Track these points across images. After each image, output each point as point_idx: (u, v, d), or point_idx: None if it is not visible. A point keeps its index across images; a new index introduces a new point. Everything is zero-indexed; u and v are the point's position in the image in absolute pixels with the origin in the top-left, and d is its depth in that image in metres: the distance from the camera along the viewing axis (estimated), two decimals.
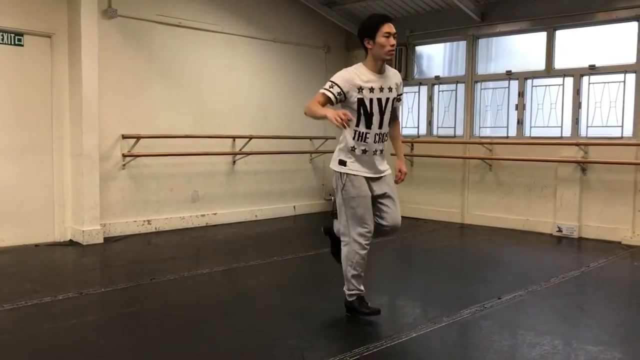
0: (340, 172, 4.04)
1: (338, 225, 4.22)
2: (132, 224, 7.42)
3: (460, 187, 8.76)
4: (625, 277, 5.89)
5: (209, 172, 8.23)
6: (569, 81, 7.69)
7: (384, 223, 4.13)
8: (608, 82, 7.38)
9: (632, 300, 5.06)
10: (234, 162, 8.51)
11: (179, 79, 7.87)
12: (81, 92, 6.68)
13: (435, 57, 9.32)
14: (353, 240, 4.05)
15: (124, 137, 7.24)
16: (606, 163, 7.23)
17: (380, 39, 3.90)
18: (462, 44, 8.75)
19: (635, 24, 7.13)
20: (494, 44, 8.61)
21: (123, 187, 7.33)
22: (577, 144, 7.48)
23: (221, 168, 8.39)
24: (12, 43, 6.51)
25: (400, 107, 4.34)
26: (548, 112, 7.93)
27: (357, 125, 3.98)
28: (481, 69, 8.64)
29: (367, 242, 4.06)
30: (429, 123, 9.14)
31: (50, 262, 6.07)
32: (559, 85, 7.79)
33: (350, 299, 4.17)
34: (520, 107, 8.16)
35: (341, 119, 3.60)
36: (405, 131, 9.15)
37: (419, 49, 9.33)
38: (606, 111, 7.42)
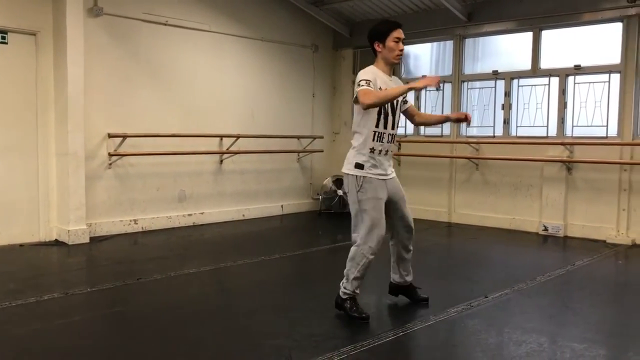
0: (357, 175, 4.09)
1: (355, 236, 4.19)
2: (119, 223, 7.37)
3: (447, 186, 8.79)
4: (610, 276, 5.95)
5: (196, 171, 8.19)
6: (555, 81, 7.75)
7: (407, 223, 4.35)
8: (593, 82, 7.45)
9: (616, 298, 5.12)
10: (221, 161, 8.48)
11: (165, 78, 7.82)
12: (67, 90, 6.61)
13: (422, 56, 9.35)
14: (364, 243, 4.10)
15: (110, 136, 7.19)
16: (591, 162, 7.31)
17: (390, 43, 4.14)
18: (449, 44, 8.79)
19: (620, 24, 7.21)
20: (481, 43, 8.66)
21: (109, 186, 7.28)
22: (562, 144, 7.54)
23: (208, 167, 8.35)
24: None
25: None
26: (534, 111, 7.99)
27: (377, 125, 4.09)
28: (468, 69, 8.68)
29: (378, 247, 4.12)
30: None
31: (35, 262, 6.01)
32: (545, 85, 7.85)
33: (344, 297, 4.20)
34: (507, 107, 8.21)
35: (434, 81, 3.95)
36: None
37: (406, 48, 9.13)
38: (591, 111, 7.49)
